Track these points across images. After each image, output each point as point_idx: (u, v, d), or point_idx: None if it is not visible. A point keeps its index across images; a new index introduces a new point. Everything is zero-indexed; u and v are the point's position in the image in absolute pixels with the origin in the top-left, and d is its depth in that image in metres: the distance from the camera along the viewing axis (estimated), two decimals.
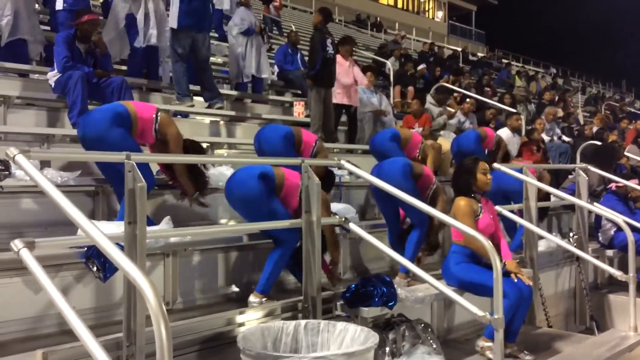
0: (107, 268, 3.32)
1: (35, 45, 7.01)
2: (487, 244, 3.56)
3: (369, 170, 5.06)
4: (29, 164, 2.48)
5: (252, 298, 4.04)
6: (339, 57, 8.34)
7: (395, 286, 4.01)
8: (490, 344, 4.21)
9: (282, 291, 4.42)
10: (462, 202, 4.46)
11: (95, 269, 3.30)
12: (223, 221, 5.17)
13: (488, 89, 13.55)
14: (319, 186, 3.77)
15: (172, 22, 7.03)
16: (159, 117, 4.34)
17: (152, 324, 1.81)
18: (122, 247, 2.76)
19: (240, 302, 4.17)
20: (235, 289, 4.38)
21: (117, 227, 3.13)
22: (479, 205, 4.52)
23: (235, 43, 9.00)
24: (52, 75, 5.74)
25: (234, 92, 8.89)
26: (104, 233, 2.04)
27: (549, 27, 50.01)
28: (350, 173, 5.39)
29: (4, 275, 3.26)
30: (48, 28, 7.99)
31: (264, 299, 4.01)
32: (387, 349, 3.85)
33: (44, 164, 4.50)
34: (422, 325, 4.14)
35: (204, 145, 6.45)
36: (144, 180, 2.72)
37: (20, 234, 3.71)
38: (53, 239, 2.86)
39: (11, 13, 6.49)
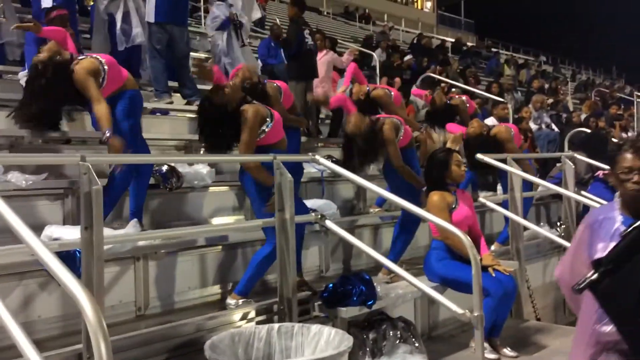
0: (77, 268, 3.18)
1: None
2: (466, 239, 3.44)
3: None
4: None
5: (229, 300, 3.93)
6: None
7: (375, 284, 3.90)
8: None
9: (264, 292, 4.26)
10: (435, 197, 4.36)
11: None
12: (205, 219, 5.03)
13: (471, 78, 13.39)
14: (292, 183, 3.64)
15: (149, 15, 6.77)
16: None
17: (91, 340, 1.67)
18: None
19: (221, 304, 4.04)
20: (216, 290, 4.25)
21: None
22: (454, 197, 4.41)
23: (215, 39, 8.73)
24: (23, 75, 5.58)
25: None
26: (44, 243, 1.91)
27: (538, 14, 49.85)
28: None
29: None
30: None
31: (241, 301, 3.89)
32: (368, 349, 3.74)
33: (12, 167, 4.35)
34: (404, 323, 4.02)
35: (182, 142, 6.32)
36: (99, 183, 2.59)
37: None
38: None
39: None
